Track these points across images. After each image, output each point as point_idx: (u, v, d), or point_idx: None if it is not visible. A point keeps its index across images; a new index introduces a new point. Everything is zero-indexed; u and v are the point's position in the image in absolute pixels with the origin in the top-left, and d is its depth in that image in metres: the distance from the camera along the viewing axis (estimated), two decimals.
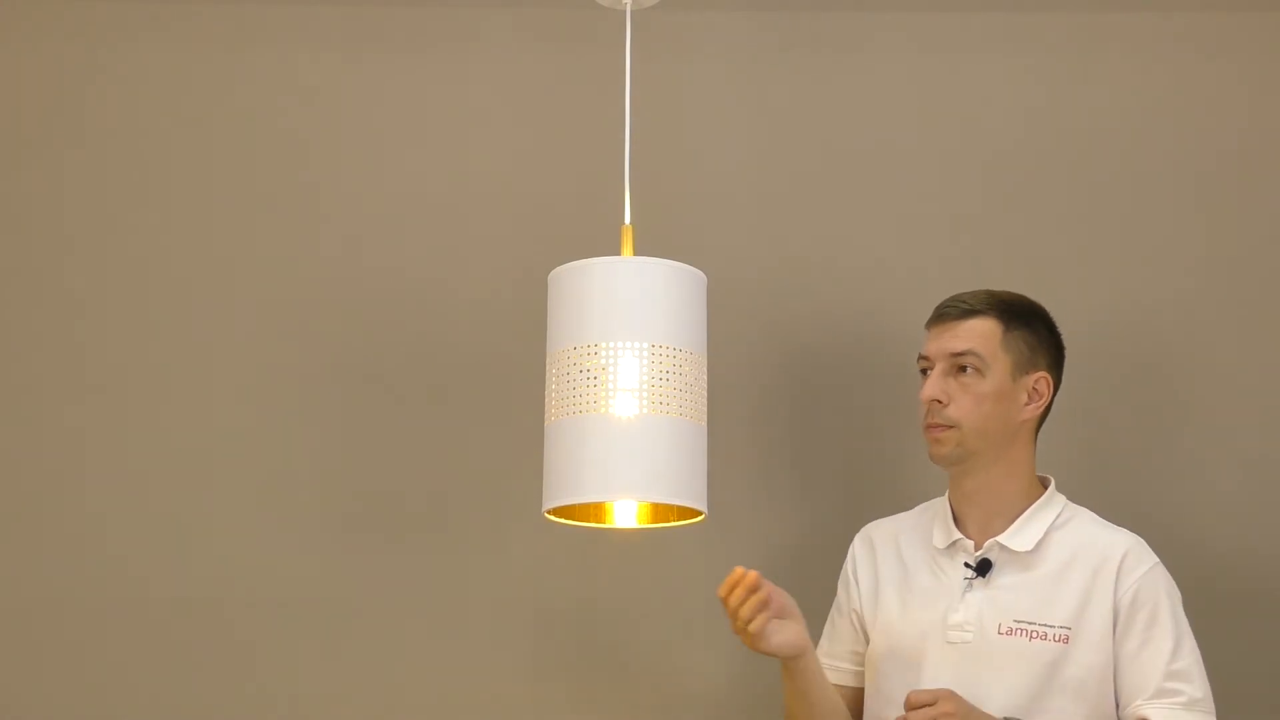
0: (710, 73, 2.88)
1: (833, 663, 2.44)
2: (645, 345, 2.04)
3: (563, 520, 2.15)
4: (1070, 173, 2.84)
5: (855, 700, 2.42)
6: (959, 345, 2.33)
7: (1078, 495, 2.42)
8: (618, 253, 2.16)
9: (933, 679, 2.28)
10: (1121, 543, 2.31)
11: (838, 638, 2.46)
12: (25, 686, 2.72)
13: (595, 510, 2.21)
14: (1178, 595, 2.30)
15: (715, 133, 2.87)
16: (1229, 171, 2.83)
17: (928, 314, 2.40)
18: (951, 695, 2.20)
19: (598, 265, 2.09)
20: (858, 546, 2.47)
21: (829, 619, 2.48)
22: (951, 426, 2.31)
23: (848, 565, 2.47)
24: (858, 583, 2.44)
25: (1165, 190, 2.83)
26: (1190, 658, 2.26)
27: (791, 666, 2.31)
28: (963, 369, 2.32)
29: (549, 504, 2.08)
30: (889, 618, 2.37)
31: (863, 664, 2.42)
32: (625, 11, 2.28)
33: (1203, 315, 2.79)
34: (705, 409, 2.11)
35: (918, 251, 2.82)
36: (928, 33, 2.87)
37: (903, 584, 2.38)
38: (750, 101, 2.88)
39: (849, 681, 2.43)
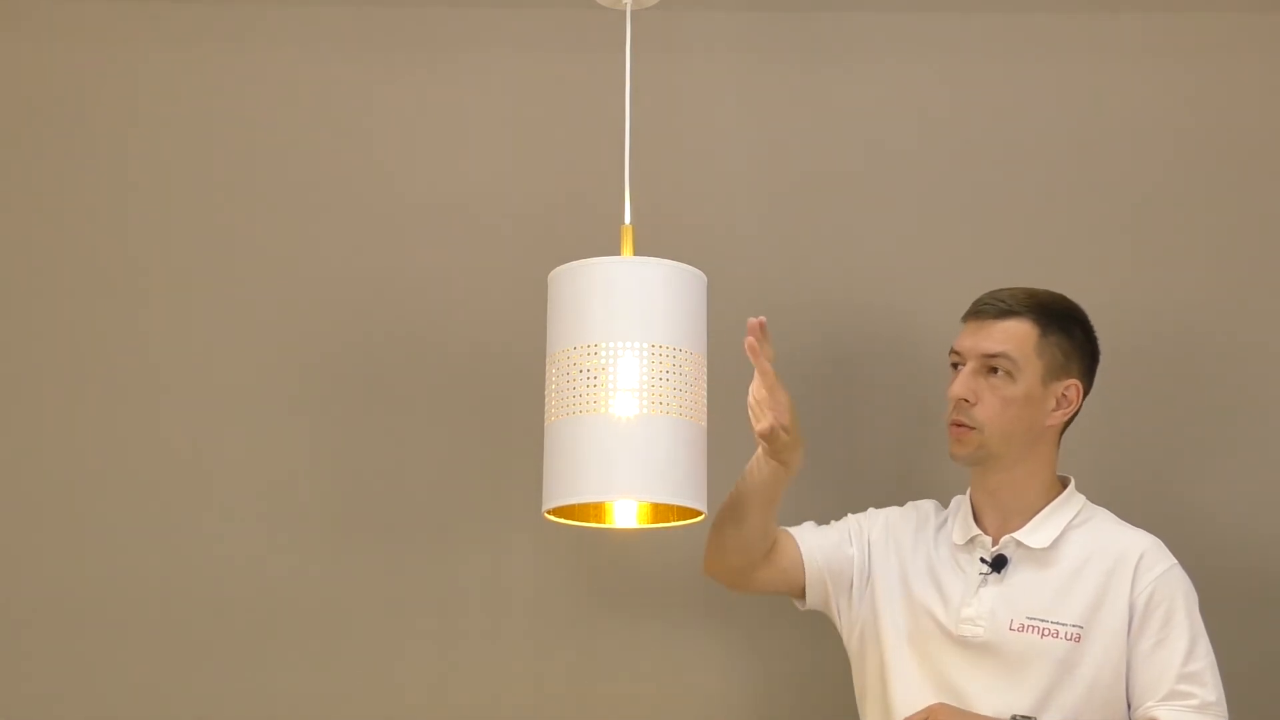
0: (710, 73, 2.88)
1: (803, 533, 2.44)
2: (645, 345, 2.04)
3: (563, 520, 2.14)
4: (1076, 171, 2.82)
5: (794, 565, 2.42)
6: (992, 346, 2.31)
7: (1099, 496, 2.41)
8: (618, 253, 2.16)
9: (941, 671, 2.29)
10: (1139, 543, 2.30)
11: (829, 533, 2.45)
12: (24, 687, 2.71)
13: (595, 510, 2.21)
14: (1195, 598, 2.28)
15: (715, 133, 2.86)
16: (1249, 167, 2.81)
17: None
18: (943, 705, 2.21)
19: (598, 265, 2.09)
20: (893, 509, 2.47)
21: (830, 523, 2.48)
22: (974, 428, 2.31)
23: (872, 512, 2.47)
24: (869, 530, 2.44)
25: (1177, 188, 2.81)
26: (1204, 660, 2.24)
27: (774, 461, 2.29)
28: (993, 370, 2.31)
29: (549, 504, 2.08)
30: (906, 601, 2.36)
31: (830, 567, 2.42)
32: (625, 11, 2.28)
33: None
34: (705, 409, 2.11)
35: (918, 251, 2.81)
36: (928, 33, 2.87)
37: (926, 572, 2.37)
38: (750, 101, 2.87)
39: (806, 561, 2.42)
